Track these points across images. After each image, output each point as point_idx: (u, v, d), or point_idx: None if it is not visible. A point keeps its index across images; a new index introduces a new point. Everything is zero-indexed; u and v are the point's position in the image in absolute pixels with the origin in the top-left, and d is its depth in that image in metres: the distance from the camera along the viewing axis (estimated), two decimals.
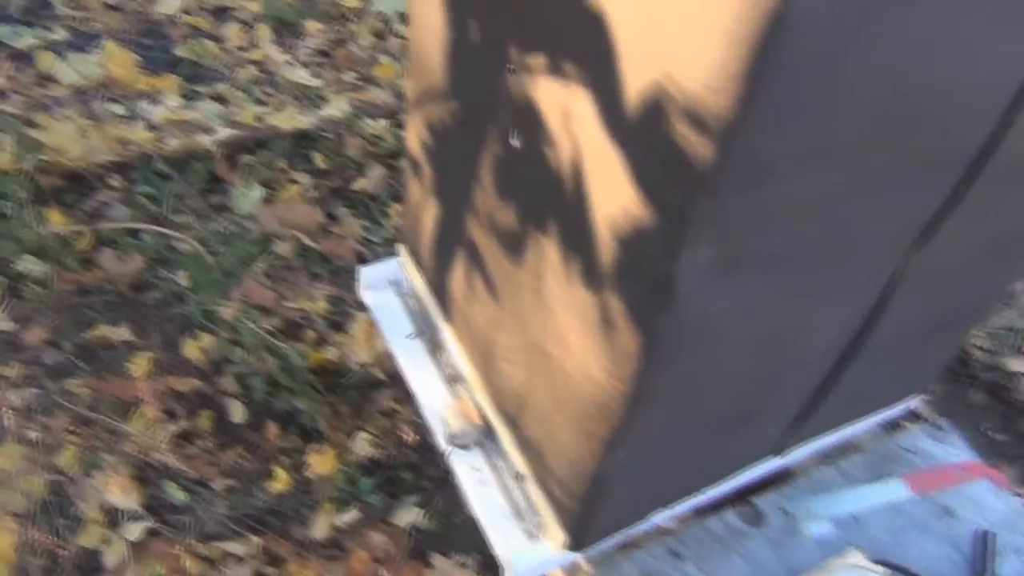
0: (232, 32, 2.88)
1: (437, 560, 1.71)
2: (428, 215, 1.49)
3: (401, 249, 1.72)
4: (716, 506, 1.56)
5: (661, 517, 1.45)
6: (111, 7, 2.92)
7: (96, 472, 1.72)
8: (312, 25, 2.98)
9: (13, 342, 1.93)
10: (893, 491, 1.63)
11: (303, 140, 2.54)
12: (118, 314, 2.04)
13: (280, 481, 1.77)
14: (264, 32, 2.89)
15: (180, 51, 2.77)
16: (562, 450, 1.22)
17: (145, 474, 1.75)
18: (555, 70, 0.95)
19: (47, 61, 2.60)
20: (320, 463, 1.81)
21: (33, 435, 1.76)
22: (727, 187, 0.77)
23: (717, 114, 0.70)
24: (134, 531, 1.66)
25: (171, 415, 1.85)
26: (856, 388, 1.40)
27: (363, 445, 1.84)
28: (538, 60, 0.98)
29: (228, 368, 1.95)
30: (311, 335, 2.03)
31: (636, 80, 0.80)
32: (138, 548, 1.64)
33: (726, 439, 1.34)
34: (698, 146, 0.74)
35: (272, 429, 1.86)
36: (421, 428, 1.86)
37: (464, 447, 1.52)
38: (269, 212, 2.30)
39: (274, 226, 2.26)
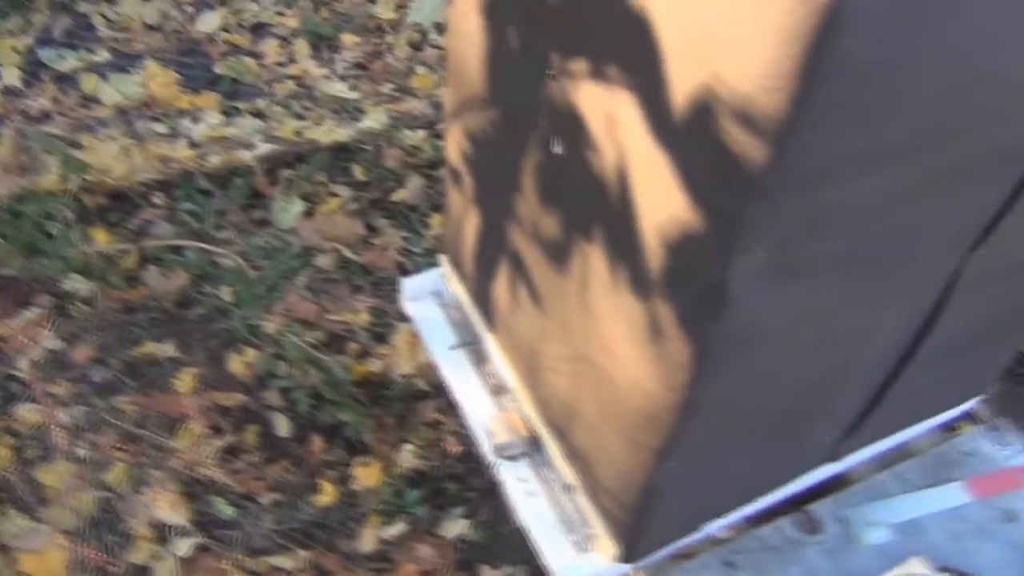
0: (270, 48, 2.90)
1: (484, 572, 1.70)
2: (469, 225, 1.48)
3: (442, 260, 1.72)
4: (770, 515, 1.53)
5: (714, 527, 1.43)
6: (151, 27, 2.97)
7: (144, 488, 1.73)
8: (348, 38, 3.00)
9: (61, 360, 1.96)
10: (952, 496, 1.59)
11: (342, 153, 2.55)
12: (163, 331, 2.06)
13: (326, 494, 1.77)
14: (301, 47, 2.91)
15: (219, 68, 2.80)
16: (611, 461, 1.20)
17: (192, 489, 1.76)
18: (598, 75, 0.93)
19: (90, 82, 2.65)
20: (366, 476, 1.80)
21: (82, 452, 1.78)
22: (780, 190, 0.75)
23: (769, 115, 0.68)
24: (183, 547, 1.66)
25: (217, 430, 1.86)
26: (913, 393, 1.36)
27: (408, 457, 1.84)
28: (580, 65, 0.96)
29: (272, 382, 1.96)
30: (354, 347, 2.03)
31: (683, 82, 0.78)
32: (187, 564, 1.65)
33: (780, 447, 1.31)
34: (750, 148, 0.71)
35: (317, 442, 1.86)
36: (465, 439, 1.84)
37: (511, 458, 1.51)
38: (310, 225, 2.31)
39: (315, 239, 2.27)
